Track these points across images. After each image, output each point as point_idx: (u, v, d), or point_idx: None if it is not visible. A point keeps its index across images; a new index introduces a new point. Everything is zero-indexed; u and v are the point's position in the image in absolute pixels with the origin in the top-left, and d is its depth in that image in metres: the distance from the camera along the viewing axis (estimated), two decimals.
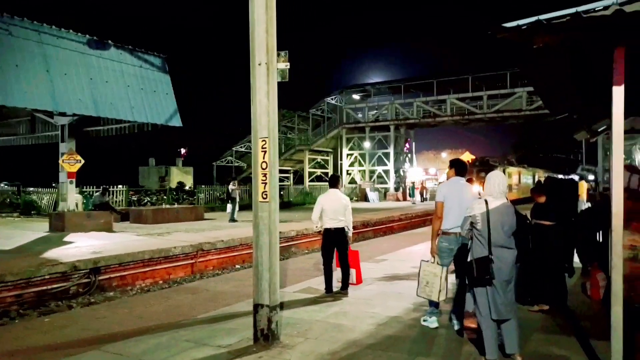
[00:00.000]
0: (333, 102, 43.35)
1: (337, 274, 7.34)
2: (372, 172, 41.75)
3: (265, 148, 4.84)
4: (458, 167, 5.39)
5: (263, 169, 4.85)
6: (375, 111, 41.72)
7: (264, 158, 4.85)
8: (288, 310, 6.25)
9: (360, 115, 41.98)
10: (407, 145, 43.49)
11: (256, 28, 4.97)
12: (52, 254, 10.54)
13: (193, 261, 11.87)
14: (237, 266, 12.41)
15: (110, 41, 14.64)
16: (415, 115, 39.46)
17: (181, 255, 11.70)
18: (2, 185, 27.42)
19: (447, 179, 5.50)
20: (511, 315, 4.25)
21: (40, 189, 23.47)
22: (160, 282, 10.91)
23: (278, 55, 5.07)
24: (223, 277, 9.03)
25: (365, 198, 36.32)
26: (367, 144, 41.31)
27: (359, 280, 7.76)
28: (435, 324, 5.40)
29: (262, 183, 4.85)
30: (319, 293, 7.23)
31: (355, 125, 41.91)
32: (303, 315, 6.11)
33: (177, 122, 16.30)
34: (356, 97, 43.34)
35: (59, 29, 13.22)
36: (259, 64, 4.95)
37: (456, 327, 5.23)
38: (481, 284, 4.20)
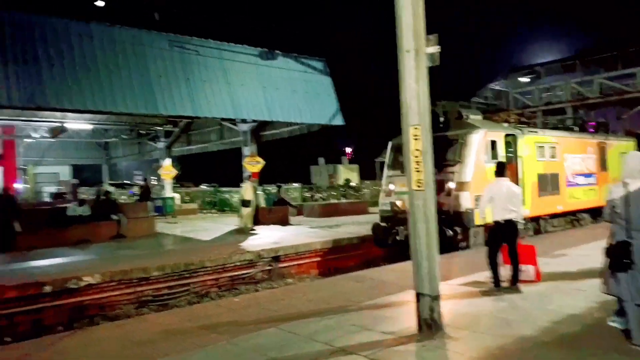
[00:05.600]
0: (497, 87, 40.08)
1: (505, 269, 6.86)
2: None
3: (417, 136, 4.79)
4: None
5: (416, 157, 4.81)
6: (548, 93, 37.31)
7: (416, 146, 4.81)
8: (453, 301, 6.07)
9: (529, 99, 38.00)
10: (590, 129, 37.95)
11: (402, 14, 4.91)
12: (241, 244, 12.03)
13: (360, 251, 12.32)
14: None
15: (278, 51, 16.07)
16: (597, 94, 34.03)
17: (348, 245, 12.25)
18: (202, 186, 32.12)
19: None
20: None
21: (231, 189, 26.95)
22: (331, 270, 11.59)
23: (427, 39, 4.95)
24: (387, 267, 9.19)
25: None
26: None
27: (539, 277, 7.10)
28: (625, 325, 4.67)
29: (416, 171, 4.81)
30: (486, 287, 6.86)
31: (524, 110, 38.04)
32: (469, 308, 5.87)
33: (339, 120, 17.11)
34: (523, 79, 39.23)
35: (235, 44, 15.01)
36: (407, 51, 4.89)
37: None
38: (621, 269, 4.13)
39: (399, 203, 11.61)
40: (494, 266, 6.78)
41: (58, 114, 16.89)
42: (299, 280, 10.89)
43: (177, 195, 24.02)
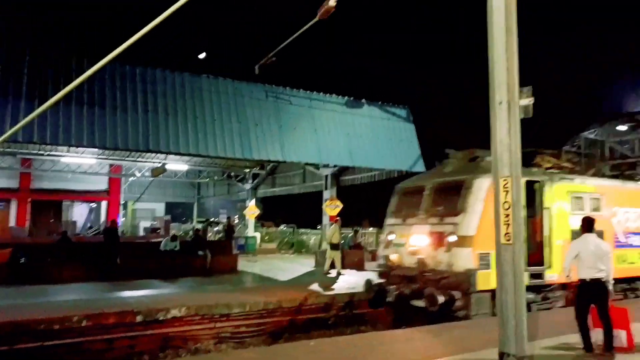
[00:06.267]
0: (591, 136, 37.42)
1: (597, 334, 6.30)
2: None
3: (507, 187, 4.71)
4: None
5: (505, 209, 4.71)
6: None
7: (506, 198, 4.72)
8: None
9: (627, 149, 34.91)
10: None
11: (495, 67, 4.97)
12: (316, 287, 12.13)
13: None
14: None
15: (363, 100, 16.62)
16: None
17: None
18: (282, 227, 33.03)
19: None
20: None
21: (308, 230, 27.42)
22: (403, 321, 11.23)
23: (520, 91, 4.95)
24: (466, 322, 8.76)
25: None
26: None
27: (630, 344, 6.44)
28: None
29: (505, 224, 4.70)
30: (575, 351, 6.30)
31: (622, 160, 34.90)
32: None
33: (420, 167, 17.04)
34: (622, 128, 36.26)
35: (324, 94, 15.81)
36: (500, 103, 4.91)
37: None
38: None
39: (393, 257, 10.07)
40: (583, 329, 6.26)
41: (161, 155, 18.56)
42: (375, 328, 10.67)
43: (257, 235, 24.91)
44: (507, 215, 4.70)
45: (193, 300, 10.04)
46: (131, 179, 27.13)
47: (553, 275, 9.69)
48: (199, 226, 22.40)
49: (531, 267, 9.31)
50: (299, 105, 15.12)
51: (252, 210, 23.83)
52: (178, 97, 13.08)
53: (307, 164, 17.68)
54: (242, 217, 27.85)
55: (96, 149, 16.79)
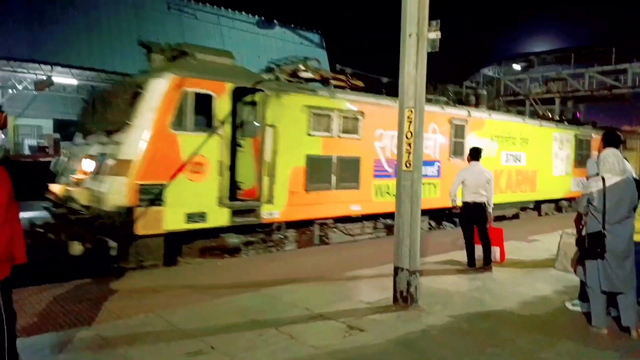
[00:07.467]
0: (490, 73, 40.38)
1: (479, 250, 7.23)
2: None
3: (411, 118, 4.96)
4: (609, 140, 4.71)
5: (408, 138, 4.99)
6: (539, 83, 37.80)
7: (409, 128, 4.99)
8: (428, 278, 6.37)
9: (520, 87, 38.42)
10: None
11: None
12: None
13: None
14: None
15: (275, 21, 15.98)
16: (586, 87, 34.55)
17: None
18: None
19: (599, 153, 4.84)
20: (626, 290, 4.38)
21: None
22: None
23: (429, 25, 5.08)
24: (363, 242, 9.49)
25: None
26: None
27: (502, 258, 7.58)
28: (587, 309, 5.01)
29: (407, 152, 5.00)
30: (460, 266, 7.22)
31: (514, 98, 38.50)
32: (443, 285, 6.19)
33: None
34: (517, 67, 39.65)
35: (234, 11, 14.90)
36: (409, 35, 5.03)
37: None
38: (593, 257, 4.40)
39: (55, 188, 7.79)
40: (468, 246, 7.13)
41: (46, 67, 16.59)
42: (280, 249, 11.06)
43: None
44: (409, 145, 5.00)
45: None
46: (11, 91, 24.05)
47: (274, 212, 7.83)
48: None
49: (237, 202, 7.46)
50: (205, 21, 14.14)
51: None
52: (67, 4, 11.57)
53: None
54: None
55: None
